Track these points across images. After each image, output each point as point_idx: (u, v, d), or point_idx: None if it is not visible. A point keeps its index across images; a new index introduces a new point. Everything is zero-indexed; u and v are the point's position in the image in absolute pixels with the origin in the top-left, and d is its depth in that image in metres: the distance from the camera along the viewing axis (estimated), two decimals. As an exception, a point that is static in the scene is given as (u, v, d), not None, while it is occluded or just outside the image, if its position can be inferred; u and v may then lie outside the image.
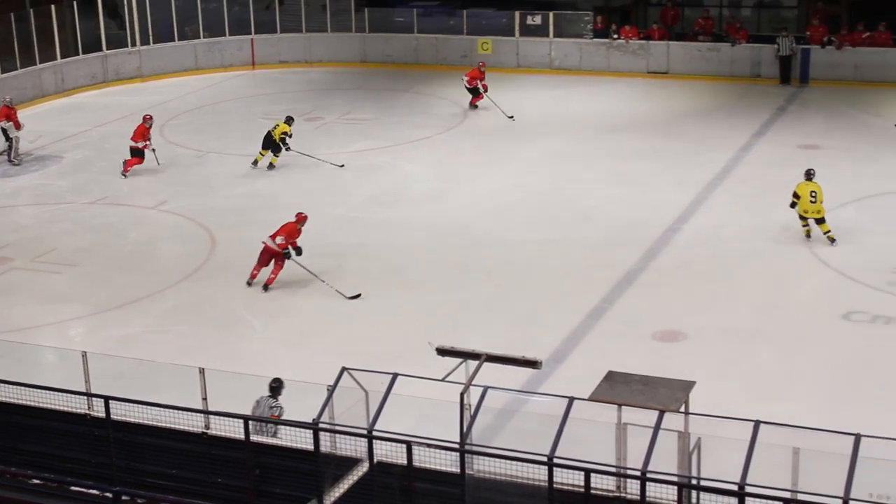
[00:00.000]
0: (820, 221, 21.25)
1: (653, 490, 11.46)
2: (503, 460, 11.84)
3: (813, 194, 21.22)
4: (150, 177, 26.23)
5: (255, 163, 27.03)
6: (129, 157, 26.47)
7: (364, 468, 12.48)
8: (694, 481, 11.93)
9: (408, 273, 20.71)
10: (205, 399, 13.42)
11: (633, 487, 11.81)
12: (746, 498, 10.88)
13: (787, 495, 11.15)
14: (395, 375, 12.32)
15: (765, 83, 33.69)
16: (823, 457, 11.29)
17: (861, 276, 19.76)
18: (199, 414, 13.17)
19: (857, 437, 10.95)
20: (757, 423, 11.29)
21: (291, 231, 19.83)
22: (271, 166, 26.96)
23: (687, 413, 12.04)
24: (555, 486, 11.56)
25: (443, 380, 12.42)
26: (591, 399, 12.19)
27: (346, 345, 17.51)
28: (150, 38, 37.27)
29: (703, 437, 12.01)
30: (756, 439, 11.15)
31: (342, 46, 38.76)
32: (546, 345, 17.16)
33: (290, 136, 26.78)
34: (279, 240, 19.67)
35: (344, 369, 12.64)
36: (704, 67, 34.99)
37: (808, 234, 21.47)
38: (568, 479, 11.54)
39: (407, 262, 21.23)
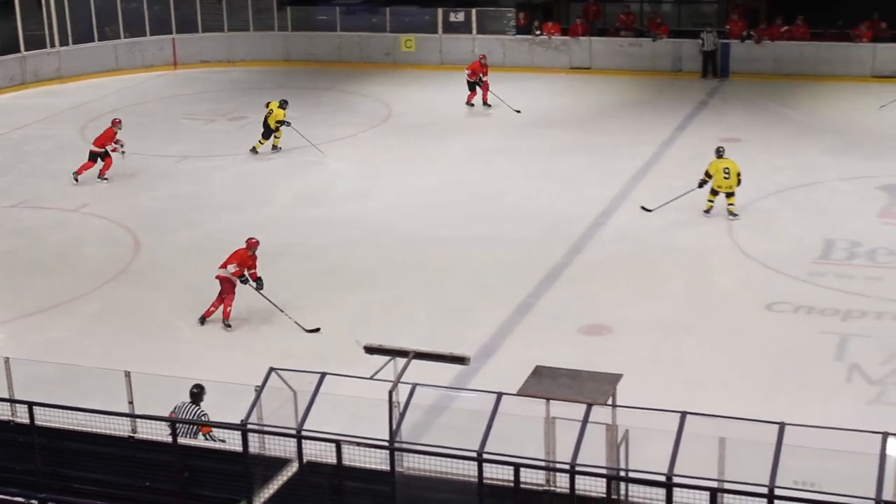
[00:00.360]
0: (729, 195, 22.13)
1: (582, 483, 11.54)
2: (433, 457, 11.87)
3: (726, 170, 22.14)
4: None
5: (255, 150, 27.57)
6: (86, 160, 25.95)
7: (294, 468, 12.43)
8: (622, 473, 12.04)
9: (336, 272, 20.66)
10: (131, 403, 13.29)
11: (562, 481, 11.88)
12: (674, 488, 10.99)
13: (714, 484, 11.28)
14: (323, 375, 12.29)
15: (686, 77, 34.06)
16: (749, 446, 11.45)
17: (783, 267, 20.04)
18: (125, 418, 13.05)
19: (782, 426, 11.10)
20: (683, 415, 11.41)
21: (243, 258, 18.36)
22: (275, 148, 27.62)
23: (614, 406, 12.13)
24: (484, 481, 11.61)
25: (371, 378, 12.40)
26: (519, 394, 12.23)
27: (274, 345, 17.42)
28: (70, 38, 36.79)
29: (631, 430, 12.11)
30: (682, 430, 11.27)
31: (265, 45, 38.57)
32: (474, 341, 17.20)
33: (287, 123, 27.36)
34: (231, 268, 18.19)
35: (272, 370, 12.58)
36: (626, 62, 35.30)
37: (708, 210, 22.31)
38: (497, 474, 11.60)
39: (335, 260, 21.18)
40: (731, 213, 22.12)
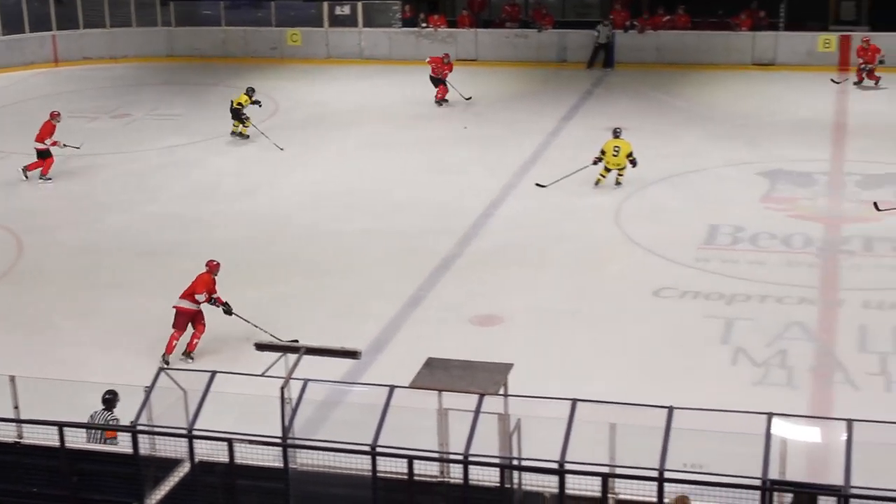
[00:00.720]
0: (620, 170, 23.37)
1: (475, 473, 11.59)
2: (326, 452, 11.84)
3: (616, 148, 23.23)
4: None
5: (234, 133, 27.83)
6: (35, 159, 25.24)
7: (185, 468, 12.29)
8: (515, 462, 12.12)
9: (225, 269, 20.40)
10: (16, 408, 13.02)
11: (456, 472, 11.93)
12: (566, 475, 11.10)
13: (606, 470, 11.42)
14: (213, 373, 12.17)
15: (572, 68, 34.38)
16: (639, 430, 11.59)
17: (669, 253, 20.35)
18: (10, 423, 12.78)
19: (670, 410, 11.27)
20: (574, 402, 11.52)
21: (208, 283, 17.12)
22: (242, 136, 27.75)
23: (506, 395, 12.20)
24: (379, 474, 11.60)
25: (262, 375, 12.32)
26: (411, 386, 12.24)
27: (163, 345, 17.19)
28: (-53, 35, 35.96)
29: (523, 418, 12.20)
30: (574, 417, 11.38)
31: (148, 41, 38.05)
32: (365, 334, 17.18)
33: (243, 107, 27.53)
34: (200, 297, 16.92)
35: (161, 369, 12.44)
36: (512, 54, 35.53)
37: (597, 182, 23.46)
38: (391, 467, 11.60)
39: (223, 257, 20.89)
40: (617, 182, 23.55)
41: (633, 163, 23.26)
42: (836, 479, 10.76)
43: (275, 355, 12.61)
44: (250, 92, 27.67)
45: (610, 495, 11.55)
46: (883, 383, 15.71)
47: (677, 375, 15.96)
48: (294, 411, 12.01)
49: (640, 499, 11.52)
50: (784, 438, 11.63)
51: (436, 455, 12.08)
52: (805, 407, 15.07)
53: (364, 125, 29.32)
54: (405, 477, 11.48)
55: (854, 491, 10.55)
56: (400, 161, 26.31)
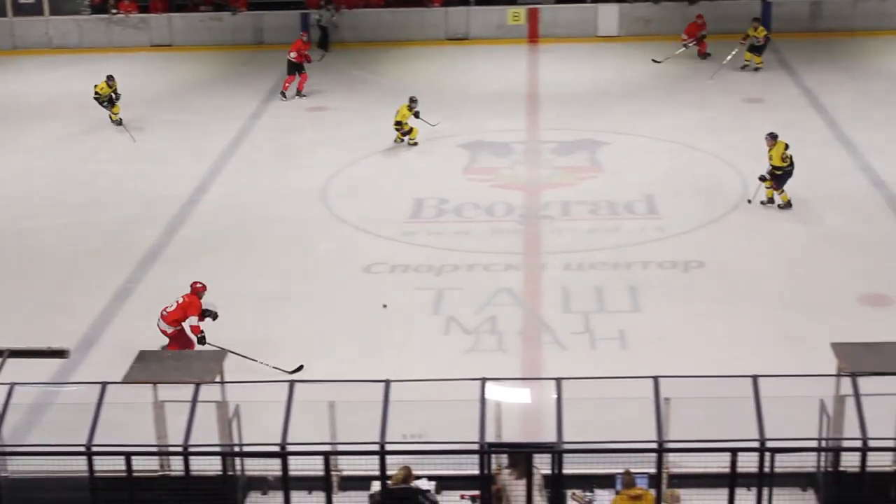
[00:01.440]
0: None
1: (197, 463, 11.47)
2: (39, 456, 11.45)
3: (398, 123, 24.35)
4: None
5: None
6: None
7: None
8: (237, 448, 12.06)
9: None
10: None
11: (177, 464, 11.77)
12: (288, 457, 11.11)
13: (328, 448, 11.50)
14: None
15: (270, 49, 34.12)
16: (358, 406, 11.72)
17: (376, 229, 20.58)
18: None
19: (387, 383, 11.45)
20: (291, 384, 11.55)
21: (197, 306, 15.69)
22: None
23: (223, 382, 12.11)
24: (97, 474, 11.31)
25: (-36, 383, 11.79)
26: (124, 381, 12.00)
27: None
28: None
29: (242, 404, 12.14)
30: (292, 399, 11.40)
31: None
32: (73, 332, 16.65)
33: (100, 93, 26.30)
34: (192, 321, 15.55)
35: None
36: (208, 37, 35.00)
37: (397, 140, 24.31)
38: (109, 465, 11.33)
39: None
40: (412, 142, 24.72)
41: (416, 115, 24.35)
42: (550, 436, 11.19)
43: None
44: (110, 79, 26.36)
45: (333, 472, 11.65)
46: (588, 341, 16.40)
47: (393, 349, 16.19)
48: (1, 418, 11.53)
49: (364, 473, 11.69)
50: (498, 402, 12.02)
51: (154, 449, 11.89)
52: (516, 370, 15.57)
53: (56, 118, 28.23)
54: (124, 474, 11.22)
55: (566, 446, 11.00)
56: (100, 152, 25.52)
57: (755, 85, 29.06)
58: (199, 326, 15.58)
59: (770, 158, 20.27)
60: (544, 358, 15.99)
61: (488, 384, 11.56)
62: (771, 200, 20.66)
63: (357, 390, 11.73)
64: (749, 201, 20.90)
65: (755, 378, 11.33)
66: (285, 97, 29.15)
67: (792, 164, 20.27)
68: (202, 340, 15.54)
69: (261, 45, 34.63)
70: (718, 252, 19.22)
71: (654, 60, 31.21)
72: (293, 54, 29.34)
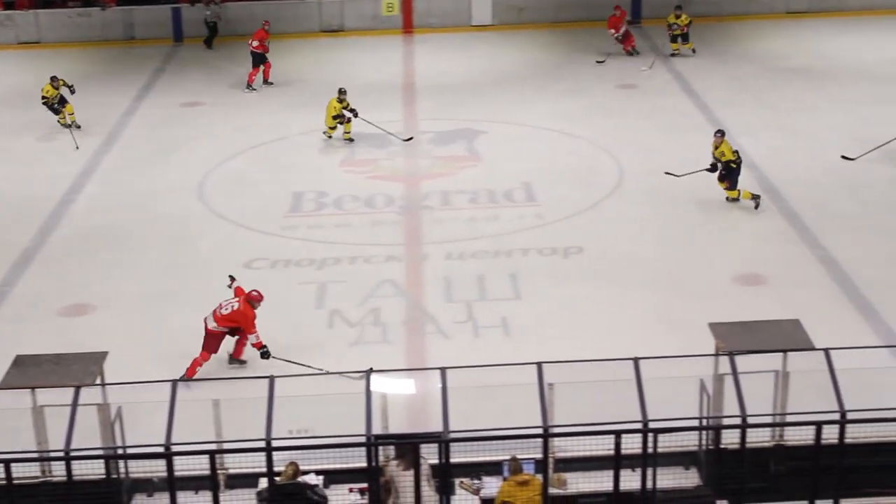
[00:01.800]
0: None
1: (80, 467, 11.29)
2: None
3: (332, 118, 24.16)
4: None
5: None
6: None
7: None
8: (120, 451, 11.88)
9: None
10: None
11: (58, 469, 11.56)
12: (173, 457, 10.98)
13: (213, 447, 11.39)
14: None
15: (141, 45, 33.61)
16: (244, 403, 11.65)
17: (256, 224, 20.43)
18: None
19: (271, 379, 11.37)
20: (174, 383, 11.41)
21: (251, 318, 15.24)
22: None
23: (103, 384, 11.93)
24: (-26, 484, 11.05)
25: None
26: (1, 387, 11.75)
27: None
28: None
29: (125, 406, 11.98)
30: (175, 398, 11.26)
31: None
32: (-54, 339, 16.25)
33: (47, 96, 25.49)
34: (253, 339, 15.14)
35: None
36: (77, 34, 34.29)
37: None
38: (-14, 474, 11.08)
39: None
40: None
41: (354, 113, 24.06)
42: (436, 426, 11.23)
43: None
44: (53, 79, 25.44)
45: (220, 471, 11.55)
46: (471, 329, 16.50)
47: (277, 344, 16.05)
48: None
49: (251, 470, 11.60)
50: (384, 393, 12.02)
51: (35, 455, 11.66)
52: (401, 360, 15.60)
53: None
54: (4, 482, 10.98)
55: (453, 435, 11.05)
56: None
57: (628, 72, 29.45)
58: (260, 342, 15.13)
59: (722, 155, 20.07)
60: (428, 348, 16.05)
61: (374, 376, 11.57)
62: (737, 200, 20.44)
63: (242, 387, 11.66)
64: (672, 175, 20.99)
65: (636, 360, 11.51)
66: (253, 89, 28.95)
67: (740, 156, 20.43)
68: (265, 355, 15.06)
69: (132, 41, 34.06)
70: (597, 237, 19.47)
71: (598, 61, 30.64)
72: (255, 43, 29.12)
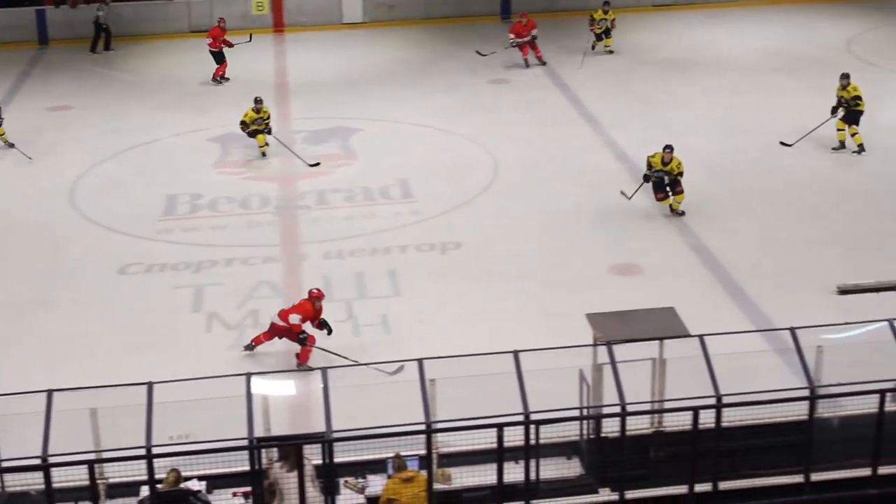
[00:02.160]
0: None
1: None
2: None
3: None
4: None
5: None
6: None
7: None
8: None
9: None
10: None
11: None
12: (51, 469, 10.77)
13: (93, 456, 11.20)
14: None
15: (4, 49, 32.82)
16: (122, 411, 11.46)
17: (129, 228, 20.11)
18: None
19: (150, 386, 11.23)
20: (50, 392, 11.18)
21: (307, 310, 15.43)
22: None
23: (-26, 397, 11.66)
24: None
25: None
26: None
27: None
28: None
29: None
30: (52, 408, 11.05)
31: None
32: None
33: None
34: (293, 318, 15.26)
35: None
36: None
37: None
38: None
39: None
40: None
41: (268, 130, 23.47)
42: (320, 426, 11.20)
43: None
44: None
45: (100, 481, 11.37)
46: (351, 328, 16.47)
47: (155, 350, 15.88)
48: None
49: (132, 479, 11.44)
50: (265, 395, 11.95)
51: None
52: (282, 362, 15.49)
53: None
54: None
55: (336, 435, 11.03)
56: None
57: (499, 67, 29.64)
58: (299, 325, 15.28)
59: (678, 166, 19.67)
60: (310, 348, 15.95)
61: (253, 378, 11.50)
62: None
63: (120, 395, 11.48)
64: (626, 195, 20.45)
65: (516, 353, 11.61)
66: (220, 82, 29.04)
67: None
68: (303, 341, 15.28)
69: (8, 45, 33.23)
70: (474, 232, 19.59)
71: (479, 53, 30.44)
72: (209, 40, 28.94)
